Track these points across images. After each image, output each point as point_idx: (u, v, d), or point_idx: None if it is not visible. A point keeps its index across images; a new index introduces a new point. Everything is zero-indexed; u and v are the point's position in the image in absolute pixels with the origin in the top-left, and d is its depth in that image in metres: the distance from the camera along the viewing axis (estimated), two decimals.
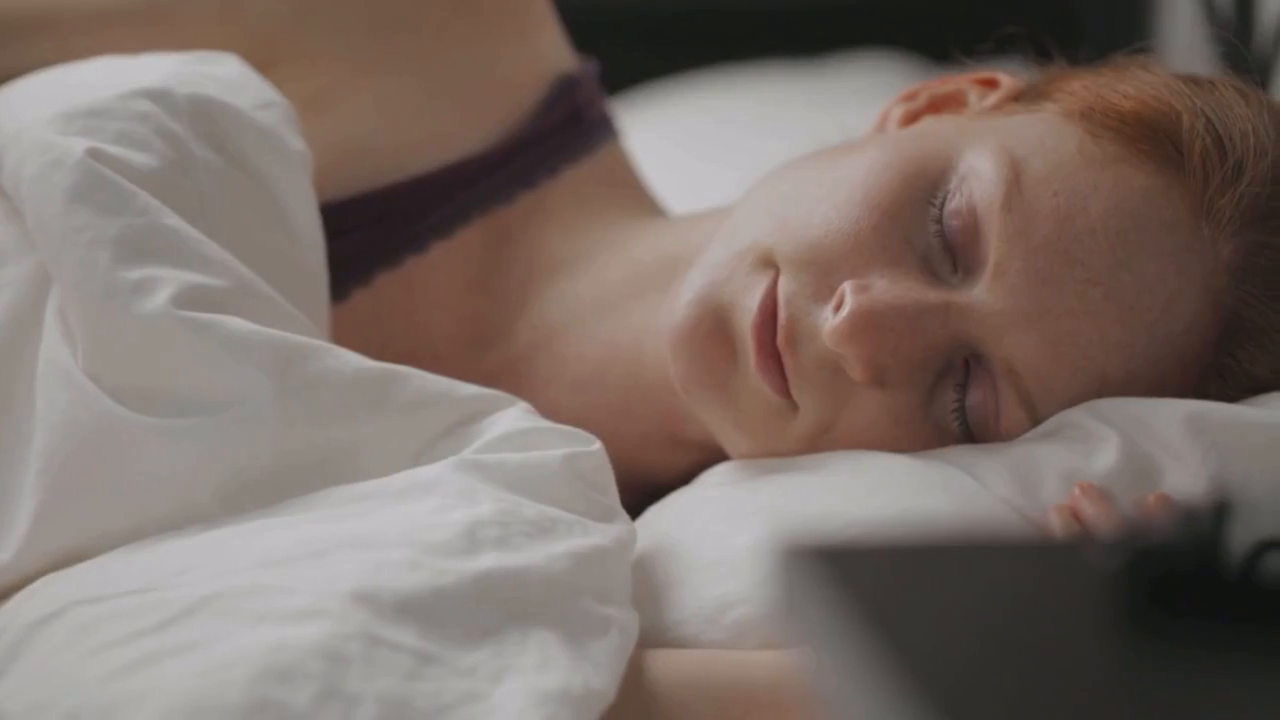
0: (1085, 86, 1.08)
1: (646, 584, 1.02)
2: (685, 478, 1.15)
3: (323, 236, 1.14)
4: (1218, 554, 0.55)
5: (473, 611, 0.90)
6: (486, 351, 1.24)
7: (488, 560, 0.93)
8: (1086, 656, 0.51)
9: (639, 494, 1.16)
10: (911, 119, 1.16)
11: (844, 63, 2.45)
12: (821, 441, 1.05)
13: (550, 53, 1.30)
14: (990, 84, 1.16)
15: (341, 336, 1.18)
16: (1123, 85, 1.06)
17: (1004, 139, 1.05)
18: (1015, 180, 1.02)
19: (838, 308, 1.02)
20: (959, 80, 1.17)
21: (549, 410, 1.18)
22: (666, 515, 1.08)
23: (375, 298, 1.23)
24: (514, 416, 1.04)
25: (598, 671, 0.91)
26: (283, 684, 0.83)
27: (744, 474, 1.08)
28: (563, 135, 1.28)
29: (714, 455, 1.14)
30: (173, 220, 1.05)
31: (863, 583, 0.53)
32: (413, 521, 0.95)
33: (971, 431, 1.03)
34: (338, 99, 1.24)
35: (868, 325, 1.00)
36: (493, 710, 0.86)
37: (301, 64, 1.23)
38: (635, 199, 1.31)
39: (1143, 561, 0.53)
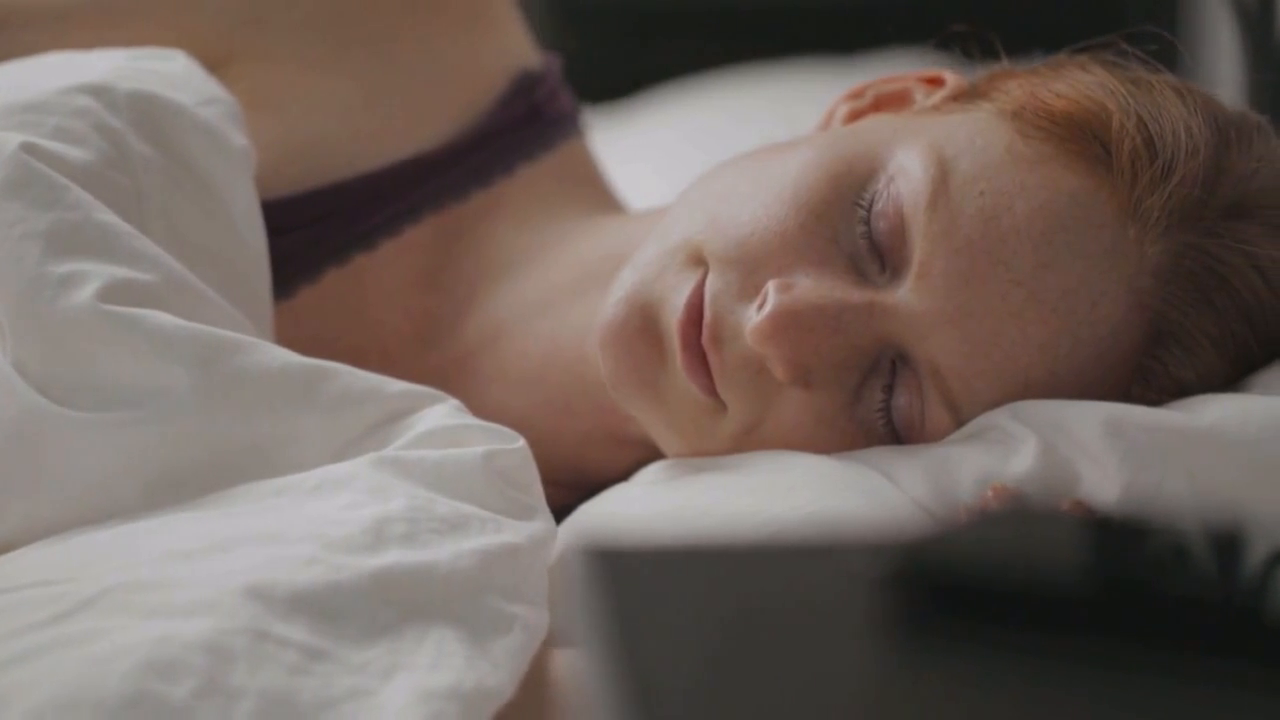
0: (1020, 86, 1.07)
1: (566, 581, 1.01)
2: (629, 476, 1.14)
3: (264, 232, 1.14)
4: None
5: (370, 607, 0.90)
6: (435, 348, 1.24)
7: (391, 556, 0.92)
8: (838, 664, 0.50)
9: (584, 492, 1.16)
10: (856, 117, 1.15)
11: (874, 61, 2.43)
12: (750, 440, 1.05)
13: (510, 49, 1.30)
14: (936, 82, 1.15)
15: (288, 333, 1.18)
16: (1057, 85, 1.05)
17: (935, 138, 1.04)
18: (942, 180, 1.01)
19: (761, 306, 1.01)
20: (905, 79, 1.16)
21: (495, 408, 1.18)
22: (595, 512, 1.07)
23: (323, 294, 1.23)
24: (440, 413, 1.04)
25: (495, 669, 0.90)
26: (162, 678, 0.83)
27: (673, 472, 1.07)
28: (520, 132, 1.28)
29: (656, 453, 1.13)
30: (105, 215, 1.05)
31: (632, 586, 0.53)
32: (321, 517, 0.95)
33: (897, 432, 1.03)
34: (291, 96, 1.24)
35: (788, 325, 1.00)
36: (378, 707, 0.85)
37: (255, 61, 1.24)
38: (593, 197, 1.30)
39: (913, 568, 0.52)
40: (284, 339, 1.17)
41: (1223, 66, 2.35)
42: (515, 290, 1.22)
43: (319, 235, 1.23)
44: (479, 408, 1.18)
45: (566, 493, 1.16)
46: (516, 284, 1.23)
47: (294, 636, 0.87)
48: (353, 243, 1.23)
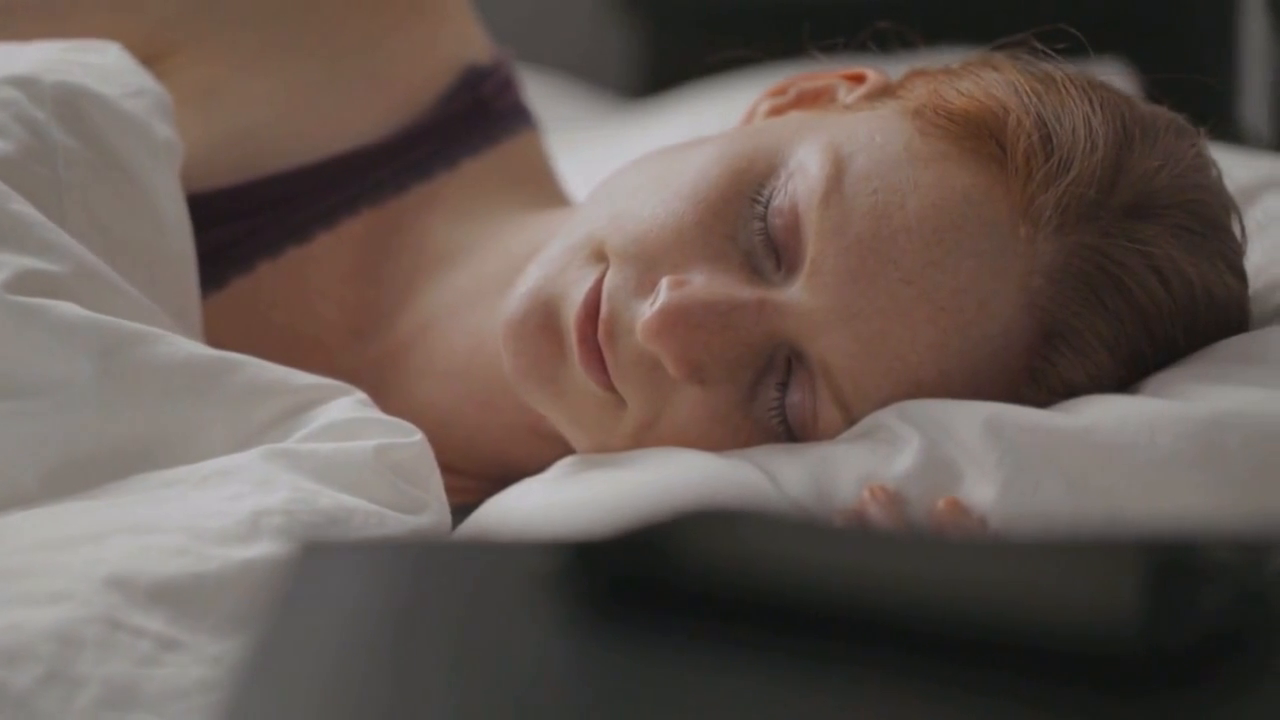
0: (925, 83, 1.06)
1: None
2: None
3: (189, 224, 1.15)
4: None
5: (234, 599, 0.90)
6: (369, 342, 1.24)
7: (261, 549, 0.93)
8: (498, 658, 0.50)
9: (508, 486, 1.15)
10: (777, 114, 1.15)
11: (906, 60, 2.40)
12: (650, 436, 1.04)
13: (459, 43, 1.30)
14: (859, 79, 1.14)
15: (220, 324, 1.19)
16: (961, 83, 1.04)
17: (835, 135, 1.03)
18: (837, 177, 1.00)
19: (653, 303, 1.01)
20: (829, 76, 1.16)
21: (423, 402, 1.18)
22: (496, 507, 1.07)
23: (256, 286, 1.23)
24: (343, 406, 1.05)
25: None
26: (6, 665, 0.83)
27: (574, 468, 1.07)
28: (465, 126, 1.28)
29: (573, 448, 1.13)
30: (19, 206, 1.06)
31: (313, 578, 0.53)
32: (201, 508, 0.95)
33: (792, 430, 1.02)
34: (232, 87, 1.25)
35: (677, 321, 0.99)
36: None
37: (197, 53, 1.25)
38: (537, 192, 1.30)
39: (587, 563, 0.52)
40: (215, 330, 1.18)
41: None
42: (448, 284, 1.23)
43: (253, 227, 1.23)
44: (409, 401, 1.18)
45: (492, 487, 1.16)
46: (450, 278, 1.23)
47: (150, 626, 0.87)
48: (286, 235, 1.24)
